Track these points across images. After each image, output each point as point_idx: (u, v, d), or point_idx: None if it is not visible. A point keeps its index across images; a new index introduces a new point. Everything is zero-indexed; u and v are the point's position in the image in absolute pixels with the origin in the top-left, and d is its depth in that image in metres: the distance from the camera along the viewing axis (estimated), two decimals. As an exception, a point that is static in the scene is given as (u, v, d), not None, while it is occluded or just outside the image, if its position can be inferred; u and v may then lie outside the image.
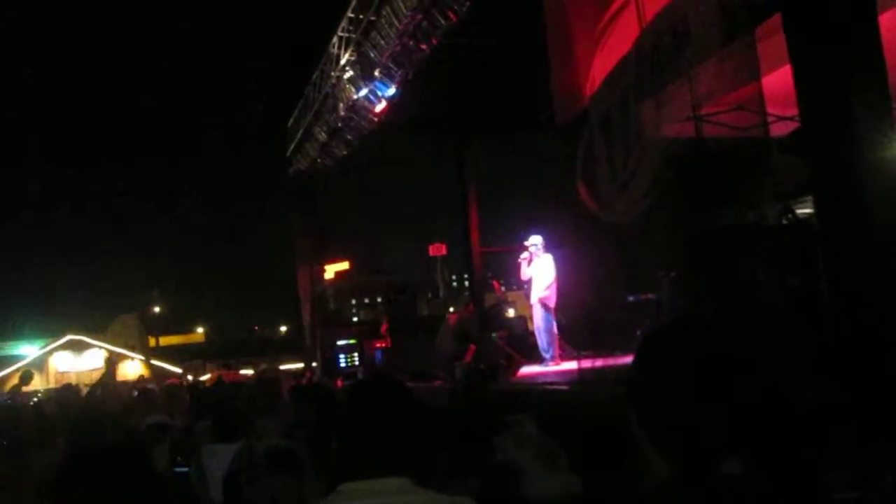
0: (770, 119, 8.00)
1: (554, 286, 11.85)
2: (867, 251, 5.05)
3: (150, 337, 56.62)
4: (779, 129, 8.31)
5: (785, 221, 7.79)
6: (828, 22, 5.29)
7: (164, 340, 58.15)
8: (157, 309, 59.64)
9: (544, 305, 11.85)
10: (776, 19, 6.40)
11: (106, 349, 47.60)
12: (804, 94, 5.48)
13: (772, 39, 6.82)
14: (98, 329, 52.46)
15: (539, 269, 12.00)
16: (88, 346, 49.44)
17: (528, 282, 12.23)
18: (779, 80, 7.01)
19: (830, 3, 5.30)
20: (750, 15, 7.36)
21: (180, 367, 45.69)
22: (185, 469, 4.96)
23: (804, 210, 7.77)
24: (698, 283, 7.78)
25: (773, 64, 7.21)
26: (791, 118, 7.48)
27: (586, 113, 9.66)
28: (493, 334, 14.09)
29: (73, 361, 48.10)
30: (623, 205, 8.72)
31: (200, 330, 67.39)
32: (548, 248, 12.15)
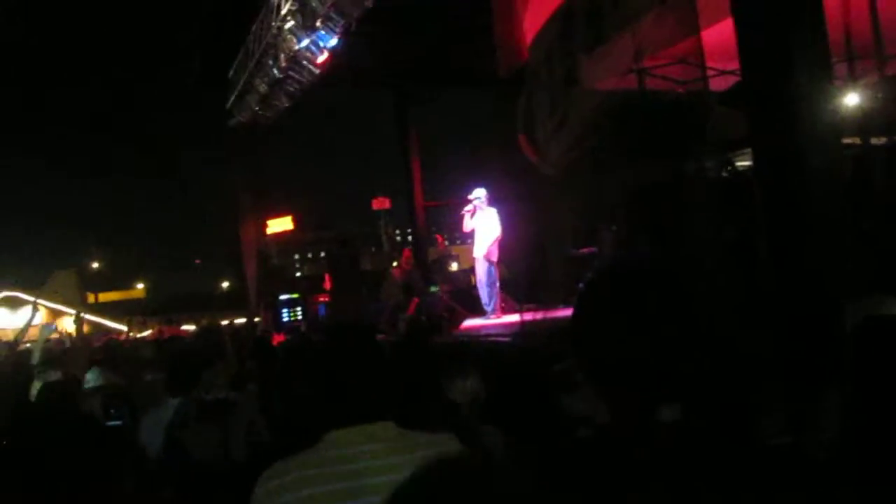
0: (710, 73, 8.07)
1: (497, 240, 11.87)
2: (804, 204, 5.13)
3: (88, 293, 55.79)
4: (719, 84, 8.38)
5: (724, 174, 7.89)
6: (768, -25, 5.31)
7: (104, 296, 57.36)
8: (95, 264, 58.77)
9: (487, 259, 11.88)
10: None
11: (43, 305, 46.80)
12: (744, 48, 5.52)
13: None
14: (34, 285, 51.50)
15: (482, 222, 12.00)
16: (24, 302, 48.56)
17: (472, 235, 12.24)
18: (719, 35, 7.05)
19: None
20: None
21: (122, 322, 45.14)
22: (119, 422, 4.93)
23: (744, 163, 7.88)
24: (638, 235, 7.86)
25: (714, 18, 7.25)
26: (732, 72, 7.54)
27: (527, 64, 9.65)
28: (436, 287, 14.13)
29: (9, 318, 47.23)
30: (553, 154, 8.76)
31: (141, 286, 66.57)
32: (491, 201, 12.14)
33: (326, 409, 2.39)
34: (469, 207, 12.14)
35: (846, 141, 6.43)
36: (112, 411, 5.20)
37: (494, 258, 11.89)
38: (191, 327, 29.11)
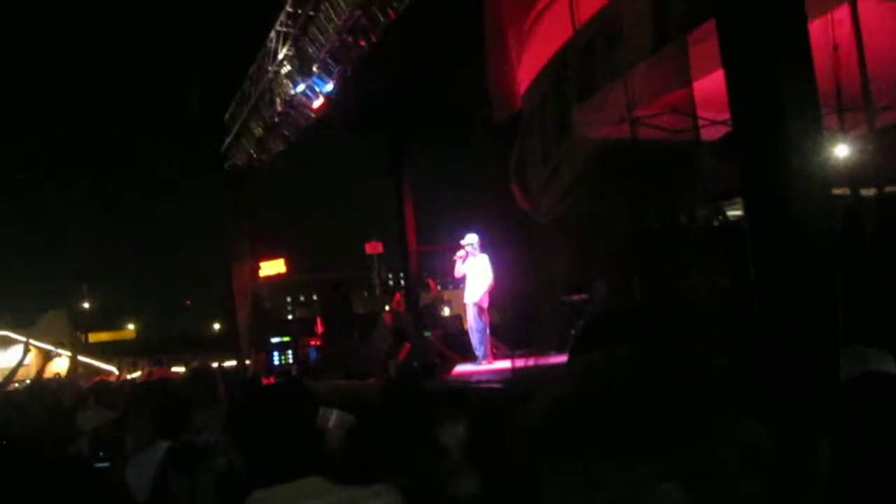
0: (702, 123, 8.14)
1: (489, 286, 11.89)
2: (795, 254, 5.17)
3: (79, 333, 55.45)
4: (710, 133, 8.46)
5: (716, 223, 7.93)
6: (759, 29, 5.39)
7: (94, 337, 57.04)
8: (86, 305, 58.51)
9: (478, 305, 11.89)
10: (709, 25, 6.51)
11: (34, 345, 46.45)
12: (736, 99, 5.59)
13: (704, 44, 6.94)
14: (25, 325, 51.19)
15: (474, 268, 12.03)
16: (15, 341, 48.20)
17: (463, 280, 12.26)
18: (711, 85, 7.13)
19: (762, 10, 5.40)
20: (683, 20, 7.48)
21: (113, 363, 44.81)
22: (107, 464, 4.90)
23: (735, 212, 7.93)
24: (630, 283, 7.88)
25: (706, 68, 7.33)
26: (722, 122, 7.62)
27: (521, 112, 9.74)
28: (428, 332, 14.10)
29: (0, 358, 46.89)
30: (545, 202, 8.81)
31: (131, 327, 66.25)
32: (483, 247, 12.18)
33: (252, 466, 2.37)
34: (461, 253, 12.17)
35: (836, 192, 6.48)
36: (101, 454, 5.17)
37: (485, 304, 11.90)
38: (181, 369, 28.89)
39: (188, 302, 76.71)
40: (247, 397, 2.69)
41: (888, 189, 7.30)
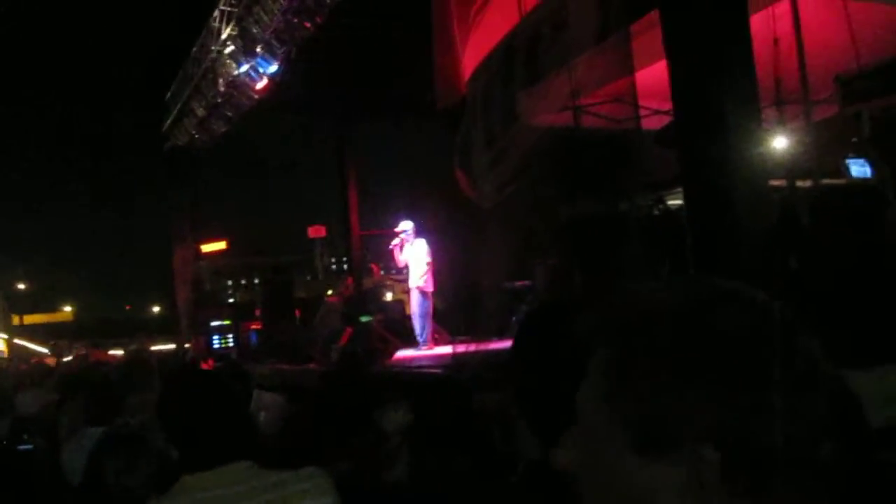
0: (644, 112, 8.23)
1: (429, 270, 11.90)
2: (733, 243, 5.25)
3: (14, 315, 54.34)
4: (652, 123, 8.55)
5: (656, 212, 8.03)
6: (702, 20, 5.45)
7: (29, 319, 55.96)
8: (21, 286, 57.34)
9: (420, 290, 11.89)
10: (653, 15, 6.57)
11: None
12: (678, 90, 5.65)
13: (648, 35, 7.00)
14: (-45, 307, 50.00)
15: (413, 254, 12.03)
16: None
17: (406, 267, 12.26)
18: (653, 75, 7.21)
19: (705, 2, 5.46)
20: (627, 10, 7.53)
21: (46, 346, 44.03)
22: (30, 447, 4.83)
23: (675, 201, 8.03)
24: (572, 270, 7.95)
25: (649, 59, 7.40)
26: (665, 112, 7.70)
27: (465, 99, 9.74)
28: (369, 317, 14.08)
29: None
30: (490, 188, 8.83)
31: (69, 309, 65.10)
32: (420, 232, 12.19)
33: (181, 452, 2.37)
34: (396, 241, 12.18)
35: (774, 183, 6.60)
36: (24, 436, 5.10)
37: (429, 289, 11.91)
38: (118, 352, 28.53)
39: (128, 306, 75.42)
40: (175, 380, 2.67)
41: (824, 181, 7.45)
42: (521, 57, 8.76)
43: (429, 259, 11.89)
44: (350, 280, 17.00)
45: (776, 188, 6.85)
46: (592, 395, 0.90)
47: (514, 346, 1.55)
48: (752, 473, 0.81)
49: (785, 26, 7.13)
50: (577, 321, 1.01)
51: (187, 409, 2.38)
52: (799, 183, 7.29)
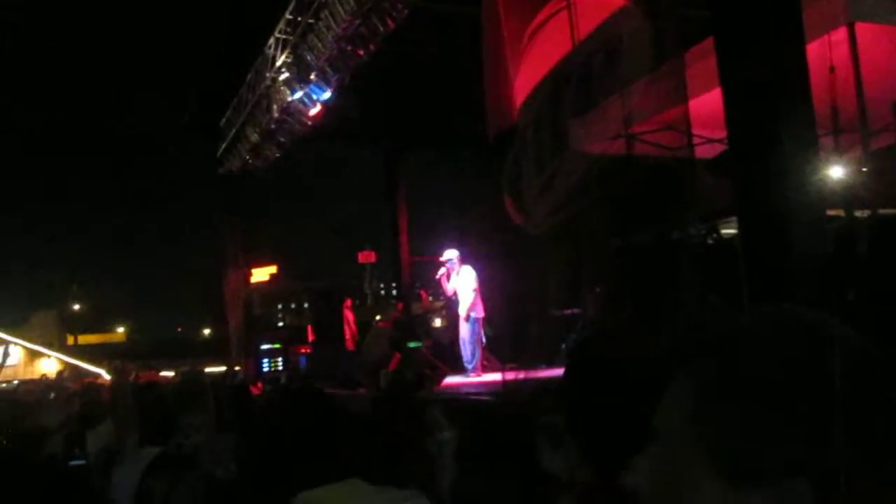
0: (697, 141, 8.17)
1: (478, 297, 11.90)
2: (787, 274, 5.18)
3: (68, 334, 55.27)
4: (706, 151, 8.49)
5: (710, 241, 7.95)
6: (758, 48, 5.41)
7: (83, 339, 56.88)
8: (76, 306, 58.34)
9: (469, 317, 11.89)
10: (707, 43, 6.54)
11: (22, 345, 46.40)
12: (732, 118, 5.61)
13: (702, 63, 6.97)
14: (15, 324, 51.01)
15: (460, 282, 12.05)
16: (3, 342, 48.01)
17: (455, 295, 12.27)
18: (708, 103, 7.16)
19: (761, 30, 5.42)
20: (682, 38, 7.51)
21: (102, 366, 44.67)
22: (82, 461, 4.88)
23: (729, 231, 7.95)
24: (624, 299, 7.89)
25: (703, 87, 7.36)
26: (718, 140, 7.65)
27: (517, 127, 9.75)
28: (418, 343, 14.08)
29: (-15, 358, 46.67)
30: (539, 215, 8.82)
31: (121, 329, 66.03)
32: (468, 259, 12.21)
33: (293, 469, 2.39)
34: (442, 271, 12.21)
35: (830, 213, 6.51)
36: (76, 451, 5.16)
37: (479, 315, 11.90)
38: (170, 373, 28.87)
39: (179, 328, 76.37)
40: (296, 399, 2.71)
41: (882, 211, 7.33)
42: (574, 85, 8.77)
43: (475, 286, 11.90)
44: (400, 305, 17.05)
45: (833, 218, 6.75)
46: (678, 418, 0.89)
47: (567, 372, 1.55)
48: None
49: (842, 54, 7.06)
50: (658, 342, 1.01)
51: (309, 426, 2.41)
52: (856, 213, 7.18)
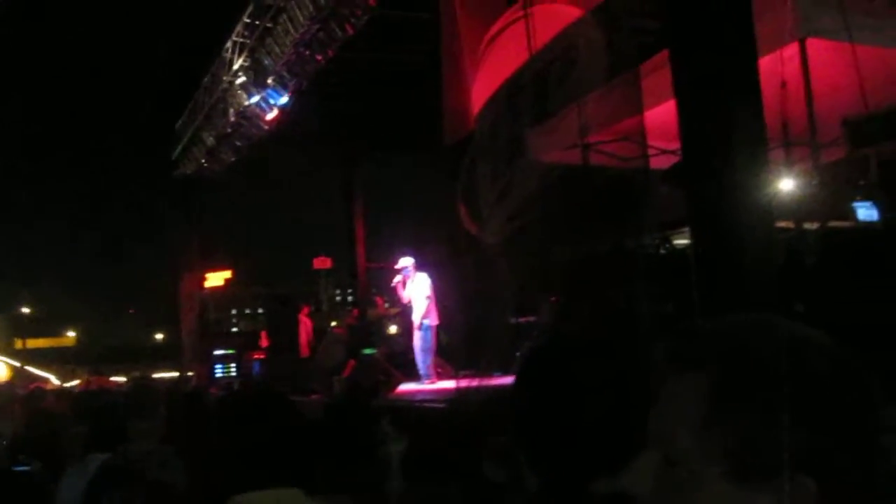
0: (652, 151, 8.25)
1: (432, 305, 11.92)
2: (738, 283, 5.24)
3: (17, 339, 54.32)
4: (660, 162, 8.57)
5: (662, 251, 8.02)
6: (711, 62, 5.48)
7: (32, 343, 55.98)
8: (26, 310, 57.39)
9: (423, 325, 11.90)
10: (662, 56, 6.61)
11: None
12: (686, 130, 5.67)
13: (657, 75, 7.04)
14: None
15: (415, 289, 12.06)
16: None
17: (410, 302, 12.27)
18: (662, 115, 7.23)
19: (715, 44, 5.50)
20: (637, 50, 7.58)
21: (51, 371, 43.96)
22: (27, 468, 4.81)
23: (681, 241, 8.03)
24: (577, 307, 7.94)
25: (658, 98, 7.43)
26: (672, 152, 7.73)
27: (473, 134, 9.78)
28: (372, 350, 14.07)
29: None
30: (494, 223, 8.85)
31: (72, 334, 65.07)
32: (424, 266, 12.22)
33: (234, 472, 2.37)
34: (398, 278, 12.21)
35: (780, 224, 6.60)
36: (21, 457, 5.08)
37: (433, 322, 11.91)
38: (121, 379, 28.48)
39: (131, 310, 75.64)
40: (245, 398, 2.68)
41: (831, 223, 7.45)
42: (530, 94, 8.81)
43: (429, 293, 11.91)
44: (355, 311, 17.00)
45: (783, 230, 6.84)
46: (685, 423, 0.92)
47: (516, 382, 1.55)
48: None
49: (793, 69, 7.17)
50: (651, 348, 1.04)
51: (254, 427, 2.39)
52: (806, 225, 7.29)
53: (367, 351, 13.92)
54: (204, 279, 21.98)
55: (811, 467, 0.85)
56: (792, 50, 7.21)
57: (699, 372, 0.93)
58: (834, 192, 7.90)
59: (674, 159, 7.95)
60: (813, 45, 7.19)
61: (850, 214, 7.95)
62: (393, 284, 12.46)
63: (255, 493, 2.27)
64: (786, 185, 8.11)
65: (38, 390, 13.63)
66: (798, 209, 7.47)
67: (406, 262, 12.18)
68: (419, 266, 12.20)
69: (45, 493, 4.29)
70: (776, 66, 7.10)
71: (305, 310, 18.30)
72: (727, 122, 5.37)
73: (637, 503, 0.97)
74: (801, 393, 0.86)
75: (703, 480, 0.89)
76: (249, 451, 2.35)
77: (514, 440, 1.49)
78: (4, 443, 5.49)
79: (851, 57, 7.03)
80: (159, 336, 62.73)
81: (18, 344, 53.82)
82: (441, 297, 12.09)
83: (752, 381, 0.89)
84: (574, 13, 8.66)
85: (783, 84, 7.21)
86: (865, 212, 7.91)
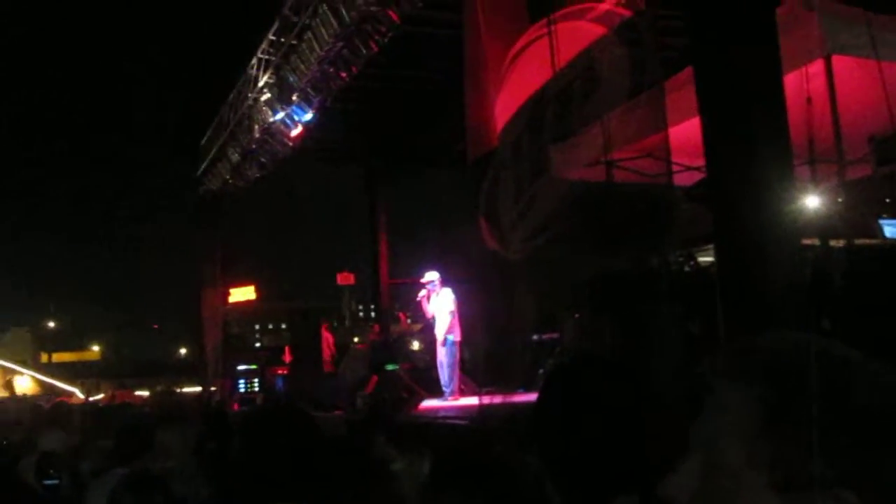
0: (676, 168, 8.21)
1: (455, 320, 11.90)
2: (763, 302, 5.20)
3: (42, 352, 54.76)
4: (685, 179, 8.54)
5: (687, 268, 7.98)
6: (736, 79, 5.47)
7: (58, 357, 56.39)
8: (51, 324, 57.86)
9: (447, 340, 11.88)
10: (686, 72, 6.60)
11: (-6, 363, 45.95)
12: (711, 147, 5.65)
13: (681, 91, 7.02)
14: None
15: (439, 305, 12.05)
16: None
17: (434, 318, 12.26)
18: (687, 131, 7.21)
19: (739, 61, 5.48)
20: (662, 67, 7.57)
21: (76, 385, 44.25)
22: (55, 481, 4.84)
23: (707, 258, 7.99)
24: (601, 324, 7.90)
25: (682, 115, 7.41)
26: (697, 168, 7.69)
27: (496, 151, 9.77)
28: (395, 366, 14.05)
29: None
30: (517, 240, 8.84)
31: (96, 348, 65.49)
32: (447, 282, 12.21)
33: (252, 487, 2.37)
34: (423, 293, 12.21)
35: (806, 242, 6.56)
36: (51, 472, 5.11)
37: (457, 338, 11.89)
38: (144, 393, 28.63)
39: (155, 325, 76.03)
40: (254, 420, 2.70)
41: (857, 241, 7.39)
42: (553, 111, 8.81)
43: (453, 308, 11.90)
44: (377, 327, 17.00)
45: (809, 247, 6.80)
46: (735, 430, 0.93)
47: (539, 399, 1.54)
48: None
49: (819, 86, 7.13)
50: (699, 360, 1.05)
51: (275, 443, 2.39)
52: (832, 242, 7.24)
53: (390, 367, 13.90)
54: (227, 294, 22.08)
55: (853, 482, 0.86)
56: (817, 67, 7.17)
57: (751, 386, 0.94)
58: (860, 209, 7.84)
59: (698, 176, 7.92)
60: (839, 61, 7.15)
61: (877, 232, 7.88)
62: (418, 299, 12.46)
63: None
64: (812, 202, 8.06)
65: (62, 405, 13.73)
66: (824, 226, 7.41)
67: (432, 276, 12.18)
68: (444, 281, 12.19)
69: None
70: (801, 82, 7.06)
71: (325, 325, 18.32)
72: (752, 139, 5.35)
73: None
74: (847, 411, 0.88)
75: (747, 489, 0.90)
76: (269, 466, 2.35)
77: (537, 457, 1.48)
78: (33, 458, 5.52)
79: (878, 74, 6.98)
80: (183, 351, 62.99)
81: (44, 358, 54.22)
82: (464, 312, 12.08)
83: (802, 397, 0.90)
84: (598, 31, 8.65)
85: (809, 100, 7.17)
86: (892, 229, 7.85)
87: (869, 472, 0.86)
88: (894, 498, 0.86)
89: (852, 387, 0.89)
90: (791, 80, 6.16)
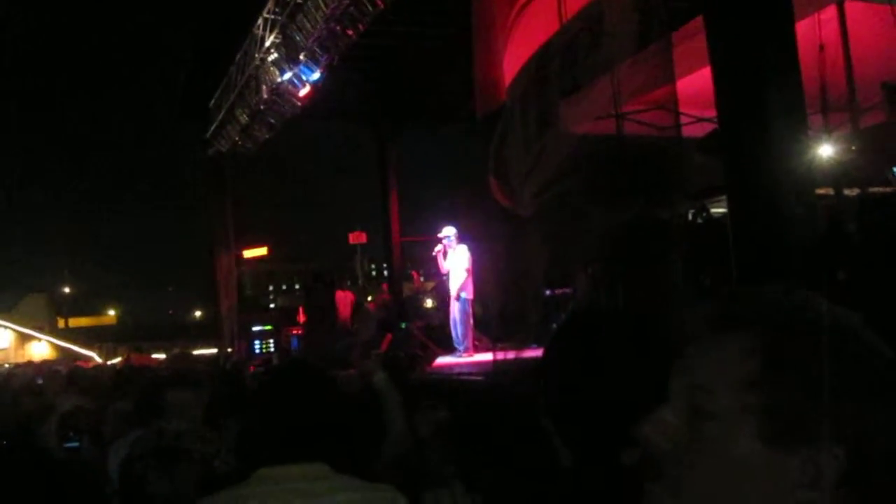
0: (687, 120, 8.15)
1: (469, 277, 11.89)
2: (777, 252, 5.18)
3: (59, 317, 55.18)
4: (695, 130, 8.47)
5: (700, 220, 7.94)
6: (747, 27, 5.39)
7: (74, 322, 56.85)
8: (67, 289, 58.23)
9: (460, 297, 11.89)
10: (696, 22, 6.52)
11: (12, 329, 46.38)
12: (722, 97, 5.59)
13: (691, 42, 6.95)
14: (5, 308, 50.89)
15: (454, 261, 12.03)
16: (-7, 325, 47.93)
17: (447, 274, 12.26)
18: (697, 82, 7.15)
19: (750, 9, 5.40)
20: (670, 18, 7.48)
21: (93, 349, 44.63)
22: (76, 444, 4.89)
23: (719, 210, 7.95)
24: (614, 278, 7.89)
25: (692, 66, 7.34)
26: (708, 119, 7.63)
27: (504, 107, 9.72)
28: (406, 323, 14.10)
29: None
30: (527, 195, 8.81)
31: (112, 312, 65.99)
32: (462, 238, 12.18)
33: (259, 444, 2.38)
34: (439, 248, 12.18)
35: (820, 192, 6.51)
36: (71, 434, 5.15)
37: (469, 295, 11.89)
38: (161, 356, 28.85)
39: (170, 288, 76.55)
40: (271, 380, 2.71)
41: (871, 189, 7.33)
42: (561, 64, 8.73)
43: (468, 265, 11.89)
44: (385, 286, 17.03)
45: (822, 197, 6.75)
46: (727, 376, 0.92)
47: (546, 353, 1.53)
48: (871, 480, 0.86)
49: (831, 33, 7.05)
50: (699, 310, 1.05)
51: (293, 402, 2.40)
52: (846, 192, 7.19)
53: (404, 325, 13.97)
54: (241, 256, 22.14)
55: (843, 438, 0.85)
56: (829, 13, 7.09)
57: (746, 332, 0.93)
58: (874, 157, 7.77)
59: (709, 127, 7.86)
60: (851, 7, 7.06)
61: (892, 180, 7.81)
62: (434, 253, 12.41)
63: (282, 467, 2.29)
64: (825, 150, 7.98)
65: (79, 368, 13.85)
66: (838, 175, 7.36)
67: (449, 231, 12.14)
68: (460, 238, 12.16)
69: (94, 468, 4.36)
70: (814, 29, 6.98)
71: (344, 284, 18.35)
72: (764, 89, 5.29)
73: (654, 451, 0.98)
74: (839, 368, 0.87)
75: (736, 437, 0.90)
76: (286, 426, 2.36)
77: (545, 412, 1.47)
78: (53, 421, 5.57)
79: (891, 19, 6.88)
80: (198, 313, 63.37)
81: (61, 323, 54.67)
82: (477, 269, 12.07)
83: (797, 348, 0.89)
84: (606, -19, 8.55)
85: (821, 48, 7.10)
86: (907, 177, 7.78)
87: (860, 431, 0.86)
88: (883, 459, 0.86)
89: (838, 358, 0.89)
90: (803, 27, 6.09)
